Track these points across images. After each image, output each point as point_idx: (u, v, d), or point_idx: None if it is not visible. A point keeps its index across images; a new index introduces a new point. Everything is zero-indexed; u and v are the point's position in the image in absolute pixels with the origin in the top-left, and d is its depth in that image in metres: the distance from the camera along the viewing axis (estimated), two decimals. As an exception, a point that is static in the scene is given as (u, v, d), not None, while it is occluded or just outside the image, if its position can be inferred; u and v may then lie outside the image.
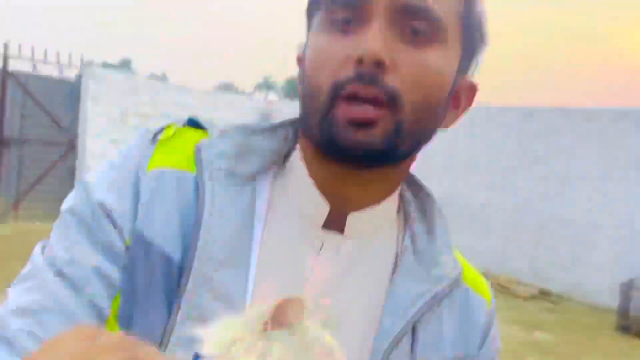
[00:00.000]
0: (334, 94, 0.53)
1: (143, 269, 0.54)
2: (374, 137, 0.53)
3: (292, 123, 0.64)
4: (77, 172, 8.05)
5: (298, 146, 0.62)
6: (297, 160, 0.62)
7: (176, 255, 0.55)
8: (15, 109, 7.47)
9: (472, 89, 0.63)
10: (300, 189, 0.61)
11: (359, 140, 0.53)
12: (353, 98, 0.52)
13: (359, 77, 0.52)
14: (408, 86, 0.53)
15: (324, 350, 0.42)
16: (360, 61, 0.52)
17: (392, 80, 0.53)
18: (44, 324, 0.51)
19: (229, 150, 0.59)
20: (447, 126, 0.63)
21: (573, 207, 6.90)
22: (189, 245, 0.55)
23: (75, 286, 0.52)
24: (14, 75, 7.41)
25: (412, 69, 0.54)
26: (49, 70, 7.83)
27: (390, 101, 0.53)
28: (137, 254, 0.55)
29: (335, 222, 0.60)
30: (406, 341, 0.59)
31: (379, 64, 0.52)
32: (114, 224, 0.55)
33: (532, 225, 7.23)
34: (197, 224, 0.55)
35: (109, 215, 0.55)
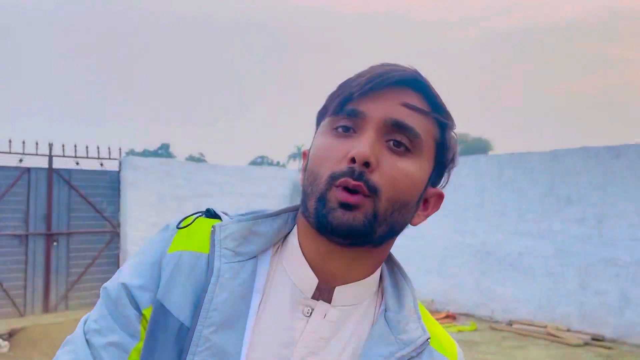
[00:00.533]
0: (330, 182, 0.67)
1: (161, 332, 0.67)
2: (356, 218, 0.66)
3: (292, 209, 0.78)
4: (120, 259, 8.36)
5: (296, 227, 0.75)
6: (294, 240, 0.74)
7: (187, 322, 0.68)
8: (62, 203, 7.94)
9: (440, 197, 0.77)
10: (294, 264, 0.73)
11: (345, 219, 0.66)
12: (344, 187, 0.66)
13: (350, 173, 0.66)
14: (387, 184, 0.67)
15: None
16: (352, 160, 0.66)
17: (374, 178, 0.67)
18: None
19: (236, 233, 0.72)
20: (415, 224, 0.76)
21: (614, 246, 6.71)
22: (195, 314, 0.68)
23: (96, 353, 0.67)
24: (59, 172, 7.92)
25: (391, 171, 0.68)
26: (92, 164, 8.31)
27: (372, 193, 0.67)
28: (158, 320, 0.68)
29: (324, 292, 0.72)
30: None
31: (366, 164, 0.66)
32: (131, 300, 0.69)
33: (574, 269, 7.04)
34: (202, 296, 0.68)
35: (128, 294, 0.69)
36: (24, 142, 7.62)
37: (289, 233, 0.77)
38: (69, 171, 8.00)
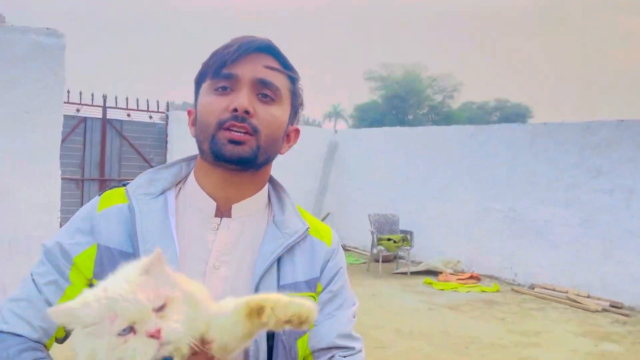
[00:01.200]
0: (218, 126, 0.89)
1: (109, 266, 0.80)
2: (244, 150, 0.89)
3: (184, 159, 1.02)
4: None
5: (193, 171, 0.99)
6: (192, 179, 0.98)
7: (129, 249, 0.88)
8: (114, 152, 8.51)
9: (297, 132, 1.02)
10: (195, 195, 0.96)
11: (235, 151, 0.88)
12: (230, 129, 0.88)
13: (234, 118, 0.88)
14: (263, 125, 0.91)
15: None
16: (235, 110, 0.88)
17: (254, 122, 0.89)
18: (21, 308, 0.87)
19: (143, 182, 0.96)
20: (282, 153, 0.99)
21: (641, 219, 6.83)
22: (134, 242, 0.88)
23: (39, 290, 0.88)
24: (112, 123, 8.45)
25: (265, 116, 0.91)
26: (141, 116, 8.80)
27: (254, 132, 0.89)
28: (103, 258, 0.88)
29: (226, 211, 0.95)
30: (272, 274, 0.92)
31: (247, 112, 0.88)
32: (63, 254, 0.89)
33: (599, 239, 7.18)
34: (134, 227, 0.89)
35: (60, 249, 0.90)
36: (80, 93, 8.12)
37: (186, 177, 1.01)
38: (120, 122, 8.51)
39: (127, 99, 8.49)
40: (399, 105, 33.14)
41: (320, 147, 11.04)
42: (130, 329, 0.62)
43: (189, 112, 1.00)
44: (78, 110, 8.11)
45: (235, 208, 0.97)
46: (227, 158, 0.89)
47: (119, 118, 8.48)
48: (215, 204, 0.96)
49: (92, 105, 8.19)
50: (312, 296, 0.96)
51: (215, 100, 0.91)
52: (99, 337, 0.61)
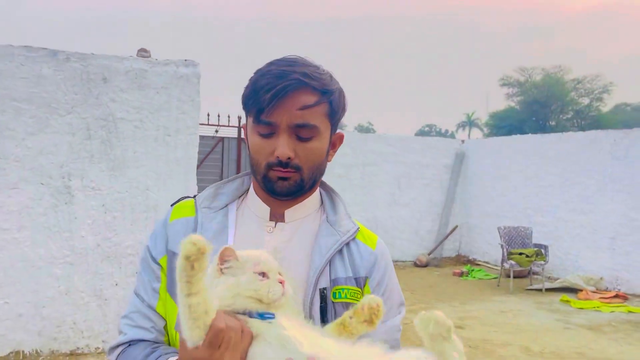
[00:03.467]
0: (267, 168, 1.00)
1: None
2: (291, 185, 1.01)
3: (244, 174, 1.13)
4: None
5: (252, 186, 1.10)
6: (252, 191, 1.09)
7: None
8: (247, 168, 9.16)
9: (341, 138, 1.10)
10: (254, 203, 1.08)
11: (284, 187, 1.01)
12: (277, 169, 0.99)
13: (279, 164, 0.98)
14: (304, 163, 1.00)
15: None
16: (278, 157, 0.98)
17: (296, 162, 0.99)
18: (133, 319, 1.03)
19: (207, 196, 1.09)
20: (330, 160, 1.08)
21: None
22: None
23: (142, 298, 1.04)
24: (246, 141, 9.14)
25: (305, 155, 0.99)
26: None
27: (297, 170, 1.00)
28: (172, 263, 0.98)
29: (280, 216, 1.06)
30: (326, 271, 1.01)
31: (288, 158, 0.98)
32: (151, 257, 1.05)
33: None
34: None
35: (149, 253, 1.06)
36: (218, 115, 8.92)
37: (246, 191, 1.12)
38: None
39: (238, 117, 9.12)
40: (539, 111, 31.10)
41: (447, 158, 10.82)
42: (263, 275, 0.85)
43: (243, 127, 1.12)
44: (217, 131, 8.90)
45: (288, 213, 1.07)
46: (277, 192, 1.02)
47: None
48: (269, 208, 1.08)
49: (228, 126, 8.93)
50: (360, 291, 1.03)
51: (261, 143, 1.01)
52: (242, 274, 0.84)
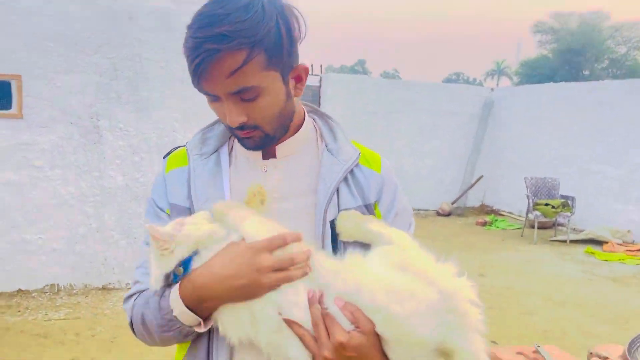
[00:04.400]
0: (231, 131, 0.97)
1: (178, 217, 0.94)
2: (257, 141, 0.96)
3: None
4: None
5: None
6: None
7: (188, 205, 0.99)
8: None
9: (306, 70, 0.97)
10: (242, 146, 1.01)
11: (252, 143, 0.97)
12: (239, 132, 0.95)
13: (236, 128, 0.94)
14: (260, 121, 0.93)
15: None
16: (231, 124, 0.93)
17: (251, 122, 0.93)
18: (146, 268, 0.98)
19: (195, 142, 1.06)
20: (298, 95, 0.98)
21: None
22: (190, 200, 0.99)
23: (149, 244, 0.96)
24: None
25: (257, 113, 0.92)
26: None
27: (256, 129, 0.94)
28: (174, 213, 1.00)
29: (270, 154, 1.02)
30: (334, 200, 0.98)
31: (240, 123, 0.92)
32: (157, 206, 1.04)
33: None
34: (188, 184, 1.01)
35: (153, 204, 1.04)
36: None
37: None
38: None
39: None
40: (573, 60, 29.92)
41: (474, 106, 10.58)
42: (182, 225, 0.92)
43: None
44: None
45: (279, 148, 1.03)
46: (249, 148, 1.00)
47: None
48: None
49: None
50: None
51: (214, 107, 0.96)
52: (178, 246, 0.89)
